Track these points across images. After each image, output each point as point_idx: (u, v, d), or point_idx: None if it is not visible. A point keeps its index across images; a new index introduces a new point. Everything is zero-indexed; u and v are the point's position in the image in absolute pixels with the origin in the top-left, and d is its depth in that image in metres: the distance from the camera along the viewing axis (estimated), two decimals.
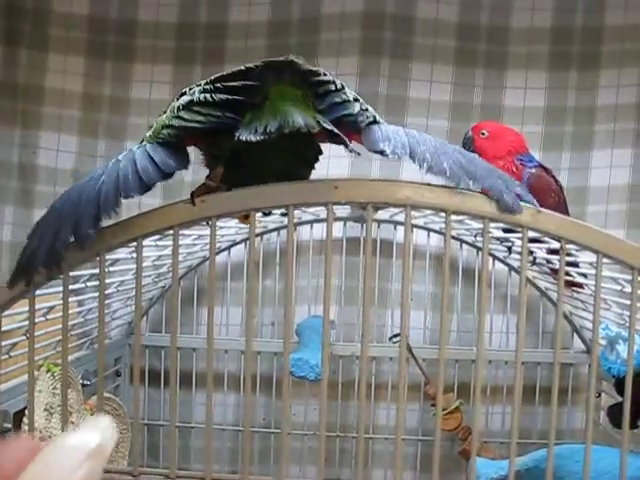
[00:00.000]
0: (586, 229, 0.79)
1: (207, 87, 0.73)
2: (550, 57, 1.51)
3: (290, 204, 0.74)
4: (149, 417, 1.54)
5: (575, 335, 1.47)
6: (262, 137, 0.69)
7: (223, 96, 0.71)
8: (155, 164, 0.72)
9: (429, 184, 0.75)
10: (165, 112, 0.77)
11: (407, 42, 1.52)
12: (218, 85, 0.72)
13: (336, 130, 0.70)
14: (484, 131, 1.29)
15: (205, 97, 0.72)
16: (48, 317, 0.99)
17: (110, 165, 0.73)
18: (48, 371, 1.10)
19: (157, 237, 1.01)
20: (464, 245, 1.46)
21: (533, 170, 1.28)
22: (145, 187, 0.70)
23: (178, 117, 0.74)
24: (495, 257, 1.44)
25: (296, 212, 1.37)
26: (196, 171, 1.47)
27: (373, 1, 1.52)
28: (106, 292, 1.06)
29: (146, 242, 0.93)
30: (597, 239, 0.78)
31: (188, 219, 0.76)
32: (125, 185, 0.69)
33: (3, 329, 0.82)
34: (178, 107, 0.74)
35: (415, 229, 1.43)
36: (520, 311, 0.81)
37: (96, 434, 0.34)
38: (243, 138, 0.69)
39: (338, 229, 1.46)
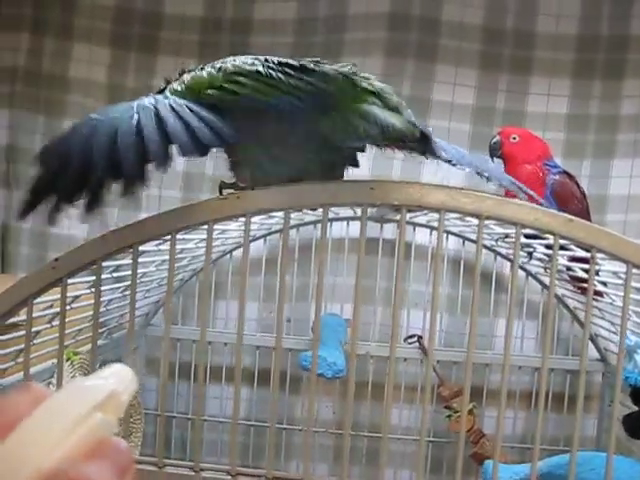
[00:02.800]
0: (617, 239, 0.79)
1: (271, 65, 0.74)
2: (574, 65, 1.51)
3: (326, 204, 0.74)
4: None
5: (590, 343, 1.47)
6: (363, 142, 0.72)
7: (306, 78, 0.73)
8: (212, 129, 0.67)
9: (463, 188, 0.76)
10: (203, 69, 0.77)
11: (432, 44, 1.52)
12: (288, 70, 0.74)
13: (431, 135, 0.73)
14: (515, 136, 1.29)
15: (279, 73, 0.73)
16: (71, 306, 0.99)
17: (140, 114, 0.65)
18: (68, 359, 1.10)
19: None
20: (482, 249, 1.45)
21: (557, 177, 1.28)
22: (204, 152, 0.66)
23: (235, 82, 0.73)
24: (513, 262, 1.44)
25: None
26: (216, 166, 1.49)
27: (399, 2, 1.52)
28: (126, 283, 1.07)
29: None
30: (627, 249, 0.79)
31: (224, 215, 0.76)
32: (184, 146, 0.63)
33: (21, 318, 0.83)
34: (236, 72, 0.74)
35: (431, 231, 1.43)
36: (547, 322, 0.82)
37: (110, 382, 0.29)
38: (345, 145, 0.72)
39: (355, 228, 1.46)
